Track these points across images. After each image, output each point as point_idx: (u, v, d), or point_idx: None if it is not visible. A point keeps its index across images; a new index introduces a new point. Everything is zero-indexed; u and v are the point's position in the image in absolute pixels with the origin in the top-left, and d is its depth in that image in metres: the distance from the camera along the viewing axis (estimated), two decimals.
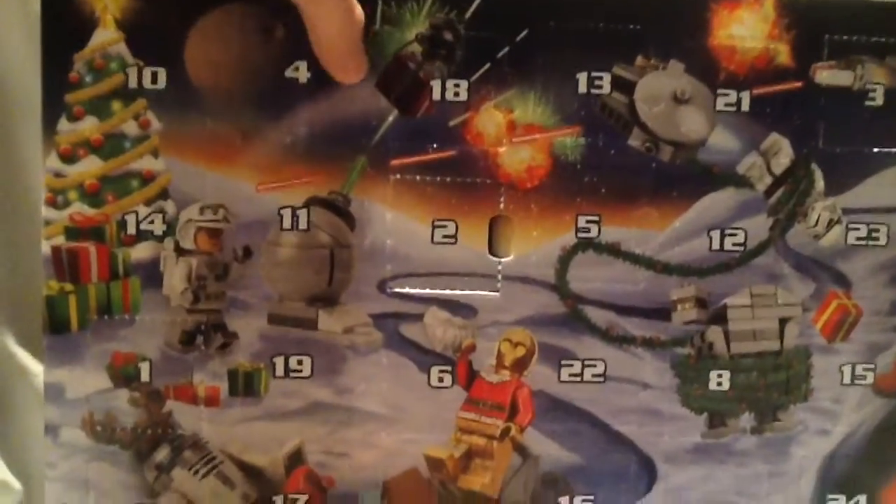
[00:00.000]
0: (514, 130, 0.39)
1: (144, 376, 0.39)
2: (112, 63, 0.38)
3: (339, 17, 0.35)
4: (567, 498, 0.41)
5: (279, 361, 0.39)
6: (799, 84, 0.40)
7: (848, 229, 0.41)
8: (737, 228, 0.41)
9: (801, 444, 0.42)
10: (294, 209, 0.39)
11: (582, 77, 0.39)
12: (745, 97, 0.40)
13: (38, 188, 0.39)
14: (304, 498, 0.40)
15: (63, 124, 0.38)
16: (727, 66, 0.40)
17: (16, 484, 0.43)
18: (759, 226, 0.41)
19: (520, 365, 0.40)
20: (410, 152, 0.39)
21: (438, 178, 0.39)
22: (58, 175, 0.38)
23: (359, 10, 0.35)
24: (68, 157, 0.38)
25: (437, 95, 0.39)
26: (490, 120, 0.39)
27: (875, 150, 0.41)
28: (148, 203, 0.39)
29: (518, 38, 0.39)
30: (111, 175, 0.38)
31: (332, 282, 0.39)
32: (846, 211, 0.41)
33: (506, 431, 0.40)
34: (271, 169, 0.38)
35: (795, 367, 0.41)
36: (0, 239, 0.41)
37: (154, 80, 0.38)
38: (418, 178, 0.39)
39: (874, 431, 0.42)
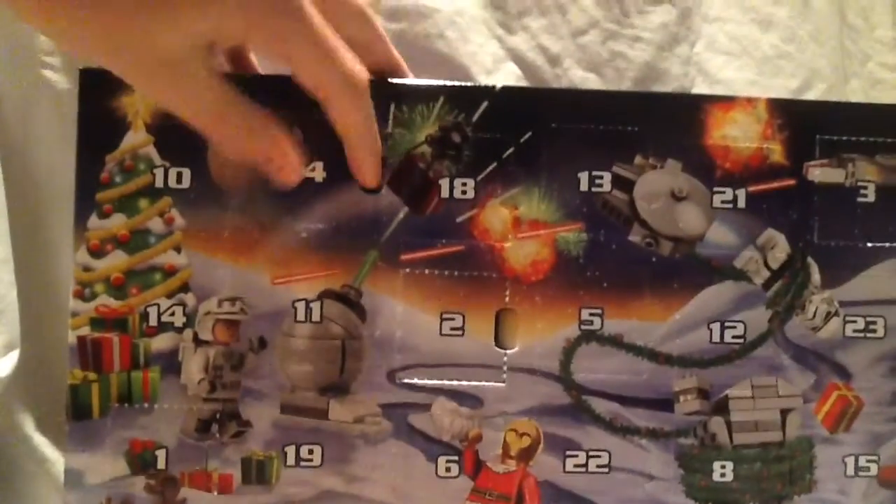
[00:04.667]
0: (519, 226, 0.41)
1: (161, 463, 0.40)
2: (140, 164, 0.40)
3: (364, 115, 0.36)
4: None
5: (290, 450, 0.40)
6: (793, 181, 0.41)
7: (845, 322, 0.42)
8: (736, 321, 0.41)
9: None
10: (307, 302, 0.40)
11: (583, 176, 0.41)
12: (741, 194, 0.41)
13: (66, 280, 0.41)
14: None
15: (93, 221, 0.40)
16: (723, 165, 0.41)
17: None
18: (758, 318, 0.41)
19: (525, 455, 0.40)
20: (420, 247, 0.40)
21: (446, 272, 0.40)
22: (86, 269, 0.40)
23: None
24: (97, 252, 0.40)
25: (445, 193, 0.40)
26: (496, 216, 0.41)
27: (869, 244, 0.41)
28: (169, 296, 0.40)
29: (522, 140, 0.41)
30: (136, 269, 0.40)
31: (344, 372, 0.40)
32: (843, 304, 0.42)
33: None
34: (287, 263, 0.40)
35: (798, 457, 0.41)
36: (27, 330, 0.42)
37: (179, 179, 0.40)
38: (427, 271, 0.40)
39: None
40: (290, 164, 0.36)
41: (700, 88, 0.45)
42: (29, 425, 0.44)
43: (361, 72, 0.35)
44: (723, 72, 0.45)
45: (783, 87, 0.45)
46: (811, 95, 0.46)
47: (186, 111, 0.34)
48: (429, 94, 0.41)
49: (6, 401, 0.44)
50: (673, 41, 0.44)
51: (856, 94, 0.48)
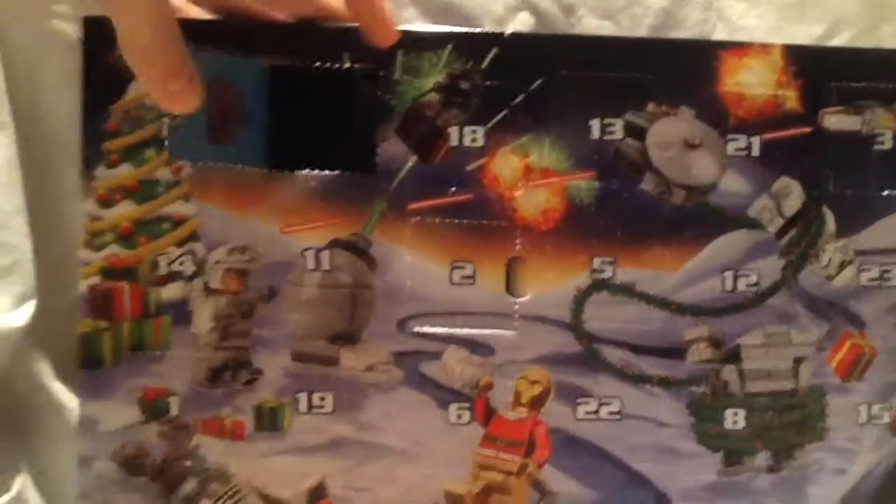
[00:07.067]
0: (530, 175, 0.40)
1: (173, 411, 0.40)
2: (148, 114, 0.40)
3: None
4: None
5: (302, 398, 0.40)
6: (808, 129, 0.41)
7: (860, 270, 0.41)
8: (749, 269, 0.41)
9: (818, 483, 0.42)
10: (317, 251, 0.40)
11: (595, 123, 0.40)
12: (756, 142, 0.41)
13: (74, 231, 0.40)
14: None
15: (101, 171, 0.40)
16: (736, 113, 0.41)
17: None
18: (771, 267, 0.41)
19: (537, 403, 0.40)
20: (429, 196, 0.40)
21: (456, 221, 0.40)
22: (95, 219, 0.40)
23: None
24: (105, 202, 0.40)
25: (454, 142, 0.40)
26: (506, 165, 0.40)
27: (885, 192, 0.41)
28: (179, 245, 0.40)
29: (532, 87, 0.40)
30: (144, 219, 0.40)
31: (354, 321, 0.40)
32: (858, 252, 0.41)
33: (523, 468, 0.40)
34: (295, 212, 0.40)
35: (810, 406, 0.41)
36: (41, 279, 0.42)
37: None
38: (437, 220, 0.40)
39: (892, 471, 0.41)
40: (186, 91, 0.34)
41: (720, 35, 0.44)
42: (47, 374, 0.44)
43: None
44: (744, 18, 0.44)
45: (807, 34, 0.44)
46: (837, 42, 0.45)
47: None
48: (437, 41, 0.40)
49: (23, 350, 0.44)
50: None
51: (887, 40, 0.46)
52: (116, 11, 0.33)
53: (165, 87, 0.34)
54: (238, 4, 0.38)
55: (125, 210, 0.41)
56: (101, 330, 0.41)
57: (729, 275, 0.42)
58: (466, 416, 0.42)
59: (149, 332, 0.41)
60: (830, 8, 0.44)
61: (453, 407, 0.41)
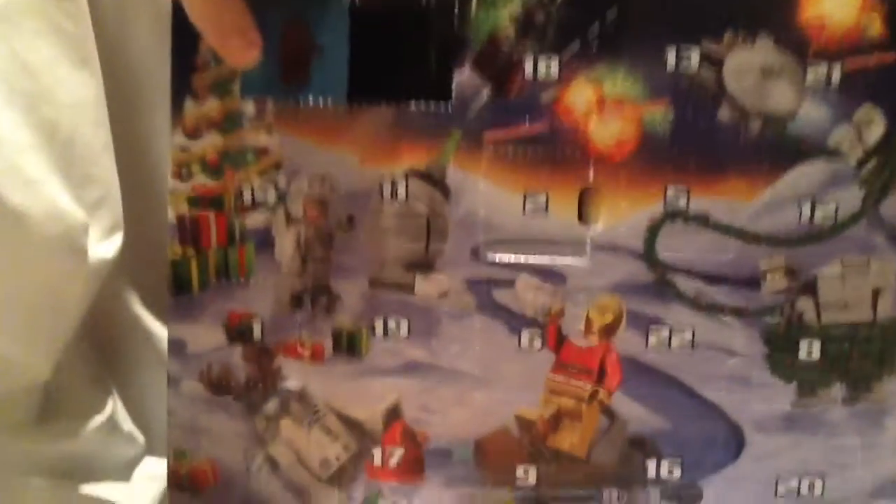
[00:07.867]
0: (604, 105, 0.40)
1: (257, 334, 0.41)
2: None
3: None
4: (654, 460, 0.41)
5: (379, 323, 0.41)
6: (892, 56, 0.39)
7: None
8: (828, 199, 0.40)
9: None
10: (394, 181, 0.40)
11: (670, 52, 0.40)
12: (837, 70, 0.40)
13: (162, 163, 0.42)
14: (401, 451, 0.41)
15: (189, 104, 0.41)
16: (817, 40, 0.40)
17: (140, 436, 0.46)
18: (850, 197, 0.41)
19: (608, 331, 0.41)
20: (503, 127, 0.40)
21: (530, 151, 0.40)
22: (183, 150, 0.41)
23: None
24: (192, 134, 0.41)
25: (528, 73, 0.40)
26: (580, 95, 0.40)
27: None
28: (262, 175, 0.41)
29: (607, 16, 0.40)
30: (230, 150, 0.41)
31: (429, 249, 0.41)
32: None
33: (594, 394, 0.41)
34: (373, 143, 0.40)
35: (889, 338, 0.40)
36: (128, 211, 0.44)
37: None
38: (511, 151, 0.40)
39: None
40: (244, 48, 0.37)
41: None
42: (135, 302, 0.47)
43: None
44: None
45: None
46: None
47: None
48: None
49: (112, 281, 0.46)
50: None
51: None
52: None
53: (223, 45, 0.37)
54: None
55: (211, 141, 0.42)
56: (189, 257, 0.43)
57: (806, 205, 0.41)
58: (538, 342, 0.42)
59: (234, 260, 0.43)
60: None
61: (525, 333, 0.42)
